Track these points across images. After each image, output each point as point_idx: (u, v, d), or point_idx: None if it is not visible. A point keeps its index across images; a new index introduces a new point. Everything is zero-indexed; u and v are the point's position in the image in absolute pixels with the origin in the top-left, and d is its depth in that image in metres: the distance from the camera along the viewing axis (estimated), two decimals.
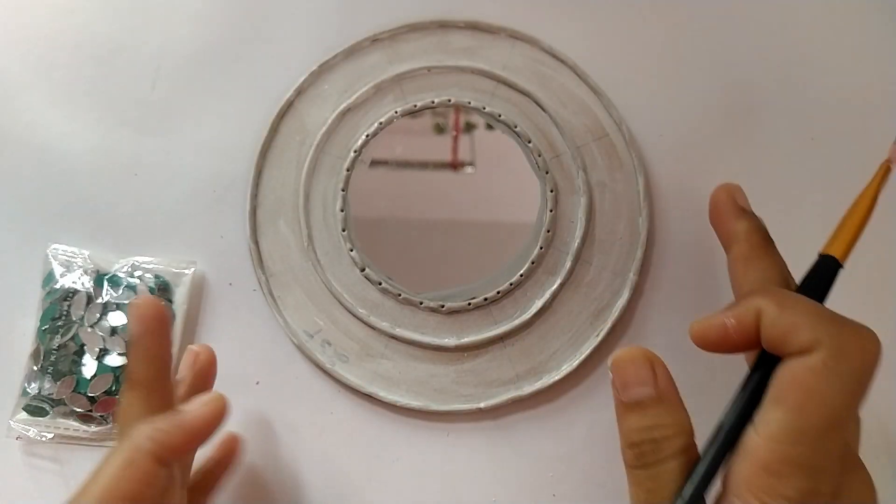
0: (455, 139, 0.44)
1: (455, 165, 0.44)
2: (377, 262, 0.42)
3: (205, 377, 0.38)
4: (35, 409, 0.39)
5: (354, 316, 0.41)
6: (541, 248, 0.41)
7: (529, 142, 0.42)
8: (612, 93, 0.44)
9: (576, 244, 0.42)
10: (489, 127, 0.43)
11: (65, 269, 0.40)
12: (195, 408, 0.33)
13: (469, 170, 0.45)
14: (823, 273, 0.31)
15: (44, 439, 0.39)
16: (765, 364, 0.29)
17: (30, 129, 0.43)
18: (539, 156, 0.42)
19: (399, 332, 0.41)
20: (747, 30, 0.45)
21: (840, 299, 0.43)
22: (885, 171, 0.32)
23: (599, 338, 0.42)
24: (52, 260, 0.41)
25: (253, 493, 0.41)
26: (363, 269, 0.41)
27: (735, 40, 0.45)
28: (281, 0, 0.44)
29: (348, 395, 0.42)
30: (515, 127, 0.42)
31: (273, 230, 0.42)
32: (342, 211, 0.41)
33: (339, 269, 0.42)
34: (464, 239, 0.45)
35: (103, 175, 0.43)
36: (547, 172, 0.42)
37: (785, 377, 0.28)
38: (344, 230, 0.41)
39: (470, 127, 0.44)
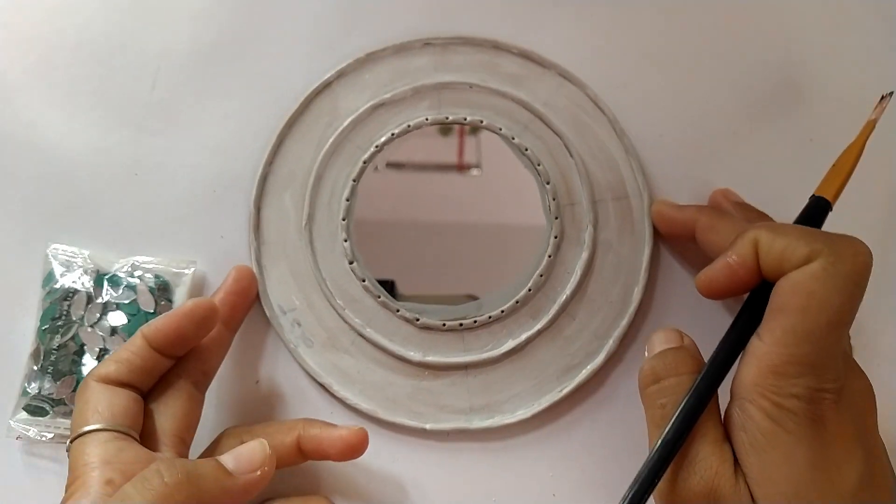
0: (461, 141, 0.44)
1: (461, 168, 0.44)
2: (381, 264, 0.42)
3: (245, 295, 0.41)
4: (35, 409, 0.40)
5: (331, 305, 0.41)
6: (529, 290, 0.41)
7: (548, 182, 0.42)
8: (644, 155, 0.43)
9: (565, 296, 0.41)
10: None
11: (65, 269, 0.41)
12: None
13: (475, 172, 0.44)
14: (815, 213, 0.35)
15: (44, 439, 0.40)
16: (761, 291, 0.32)
17: (29, 129, 0.43)
18: (553, 199, 0.42)
19: (369, 332, 0.41)
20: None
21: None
22: (870, 128, 0.36)
23: (562, 394, 0.41)
24: (52, 260, 0.41)
25: None
26: (351, 262, 0.41)
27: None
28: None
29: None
30: (539, 164, 0.42)
31: (277, 201, 0.42)
32: (348, 200, 0.42)
33: (329, 256, 0.42)
34: (469, 241, 0.45)
35: (103, 175, 0.43)
36: (556, 217, 0.41)
37: (786, 287, 0.30)
38: (344, 219, 0.41)
39: (475, 129, 0.43)
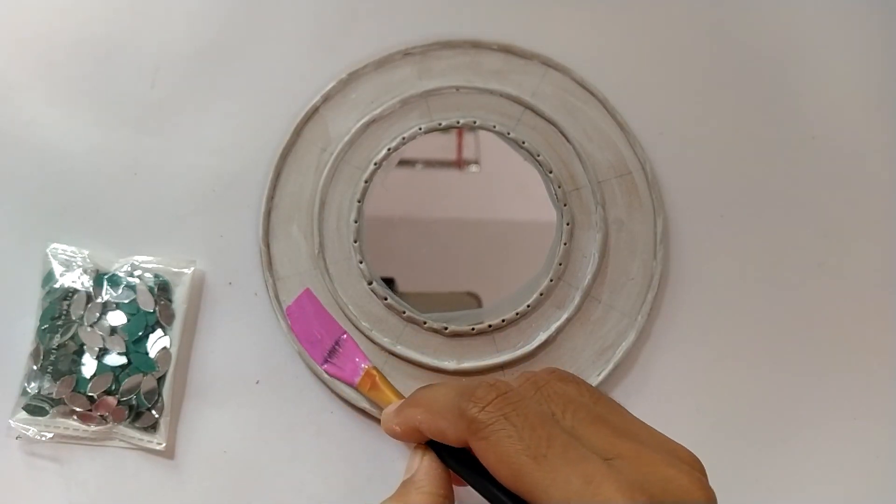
0: (459, 138, 0.44)
1: (460, 164, 0.44)
2: (380, 261, 0.41)
3: None
4: (35, 409, 0.39)
5: (357, 329, 0.41)
6: (551, 280, 0.41)
7: (551, 172, 0.42)
8: (639, 131, 0.43)
9: (587, 280, 0.41)
10: None
11: (64, 269, 0.40)
12: None
13: (474, 168, 0.44)
14: None
15: (43, 439, 0.39)
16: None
17: (29, 129, 0.42)
18: (559, 187, 0.42)
19: (400, 349, 0.41)
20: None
21: (837, 301, 0.43)
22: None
23: (601, 377, 0.41)
24: (52, 259, 0.41)
25: (250, 492, 0.41)
26: (370, 283, 0.41)
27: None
28: (282, 1, 0.44)
29: (343, 405, 0.42)
30: (538, 155, 0.42)
31: (285, 234, 0.42)
32: (356, 222, 0.41)
33: (346, 280, 0.41)
34: (468, 238, 0.45)
35: (103, 175, 0.42)
36: (565, 205, 0.42)
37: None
38: (356, 241, 0.41)
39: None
